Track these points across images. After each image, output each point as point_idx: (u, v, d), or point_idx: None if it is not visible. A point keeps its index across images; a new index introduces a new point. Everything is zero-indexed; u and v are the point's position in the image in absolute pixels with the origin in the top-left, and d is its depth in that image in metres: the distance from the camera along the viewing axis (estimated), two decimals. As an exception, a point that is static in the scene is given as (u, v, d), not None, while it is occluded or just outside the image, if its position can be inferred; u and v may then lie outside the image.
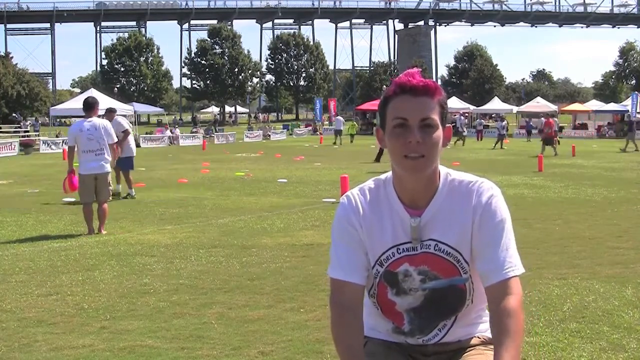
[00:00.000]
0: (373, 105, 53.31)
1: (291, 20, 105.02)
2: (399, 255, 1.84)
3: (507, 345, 1.65)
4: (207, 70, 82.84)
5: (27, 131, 40.55)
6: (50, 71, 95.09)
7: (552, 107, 52.58)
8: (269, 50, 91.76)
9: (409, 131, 1.73)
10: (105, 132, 8.34)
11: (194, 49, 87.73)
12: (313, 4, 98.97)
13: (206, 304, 4.91)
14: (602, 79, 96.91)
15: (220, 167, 20.28)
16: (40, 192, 13.21)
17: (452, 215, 1.81)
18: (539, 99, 57.14)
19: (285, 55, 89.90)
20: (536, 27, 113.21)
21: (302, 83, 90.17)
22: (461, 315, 1.91)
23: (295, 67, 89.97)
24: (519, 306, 1.72)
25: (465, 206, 1.81)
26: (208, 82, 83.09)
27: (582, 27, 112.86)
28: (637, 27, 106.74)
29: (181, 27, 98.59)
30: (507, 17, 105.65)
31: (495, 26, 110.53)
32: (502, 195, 1.83)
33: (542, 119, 29.30)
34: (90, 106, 8.48)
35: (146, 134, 42.43)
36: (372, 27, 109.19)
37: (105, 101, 38.99)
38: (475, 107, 56.13)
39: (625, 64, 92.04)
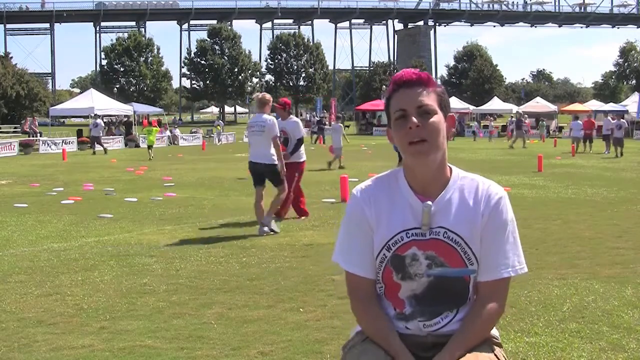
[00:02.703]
0: (372, 105, 53.28)
1: (291, 21, 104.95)
2: (408, 239, 1.89)
3: (465, 339, 1.85)
4: (206, 70, 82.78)
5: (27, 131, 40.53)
6: (50, 71, 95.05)
7: (552, 107, 52.60)
8: (268, 50, 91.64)
9: (408, 119, 1.83)
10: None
11: (193, 49, 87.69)
12: (319, 4, 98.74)
13: (206, 304, 4.91)
14: (602, 79, 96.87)
15: (220, 167, 20.27)
16: (40, 192, 13.20)
17: (462, 209, 1.89)
18: (538, 99, 57.15)
19: (285, 55, 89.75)
20: (536, 27, 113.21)
21: (301, 83, 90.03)
22: (463, 307, 1.93)
23: (295, 67, 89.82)
24: (499, 313, 1.91)
25: (475, 204, 1.89)
26: (208, 82, 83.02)
27: (581, 27, 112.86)
28: (637, 27, 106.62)
29: (181, 27, 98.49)
30: (507, 17, 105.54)
31: (495, 26, 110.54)
32: (508, 200, 1.95)
33: None
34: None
35: (145, 134, 42.44)
36: (371, 27, 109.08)
37: (105, 101, 39.11)
38: (475, 107, 56.12)
39: (626, 64, 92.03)
